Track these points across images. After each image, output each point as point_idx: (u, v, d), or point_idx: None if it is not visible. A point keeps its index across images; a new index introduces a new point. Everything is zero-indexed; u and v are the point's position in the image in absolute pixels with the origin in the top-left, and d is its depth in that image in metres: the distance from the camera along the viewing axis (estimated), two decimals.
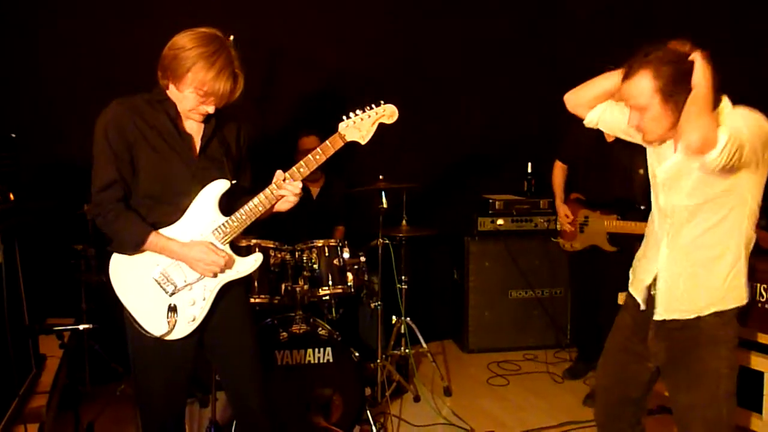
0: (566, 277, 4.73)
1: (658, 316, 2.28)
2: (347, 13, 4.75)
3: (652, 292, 2.32)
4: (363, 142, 2.40)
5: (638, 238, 2.50)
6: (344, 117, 2.39)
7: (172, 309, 2.25)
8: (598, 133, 4.04)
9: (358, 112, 2.39)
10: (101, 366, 3.94)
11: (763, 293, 2.88)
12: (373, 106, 2.40)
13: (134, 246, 2.23)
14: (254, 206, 2.32)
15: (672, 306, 2.26)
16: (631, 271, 2.50)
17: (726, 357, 2.21)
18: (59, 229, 3.86)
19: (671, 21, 4.47)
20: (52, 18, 3.95)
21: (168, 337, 2.26)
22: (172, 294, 2.28)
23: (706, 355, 2.22)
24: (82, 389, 3.82)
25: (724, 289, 2.20)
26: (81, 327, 2.74)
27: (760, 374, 2.87)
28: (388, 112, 2.40)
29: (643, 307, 2.35)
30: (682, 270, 2.24)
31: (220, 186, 2.32)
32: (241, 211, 2.32)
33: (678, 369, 2.28)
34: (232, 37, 3.78)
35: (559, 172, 4.37)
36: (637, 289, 2.40)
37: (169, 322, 2.24)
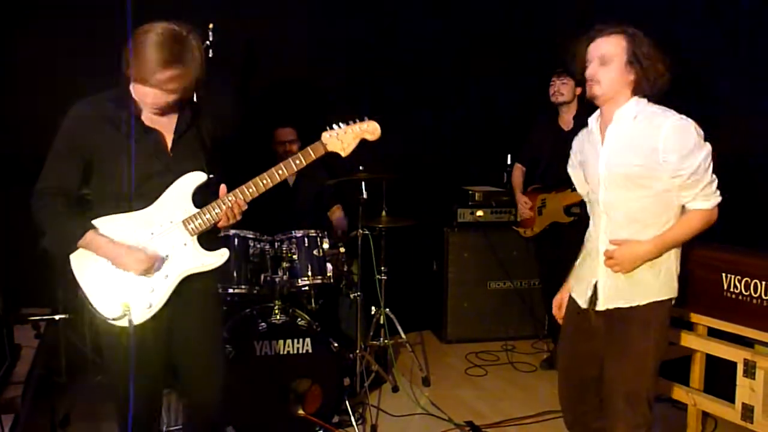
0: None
1: (600, 307, 2.43)
2: (325, 3, 4.73)
3: (591, 291, 2.47)
4: (343, 154, 2.47)
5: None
6: (328, 127, 2.45)
7: (128, 293, 2.24)
8: (556, 129, 4.31)
9: (341, 124, 2.45)
10: (77, 356, 3.90)
11: (737, 284, 2.92)
12: (356, 120, 2.46)
13: (66, 245, 2.23)
14: (230, 202, 2.32)
15: (613, 296, 2.40)
16: (572, 278, 2.66)
17: (655, 337, 2.37)
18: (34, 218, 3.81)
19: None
20: (20, 8, 3.89)
21: (119, 323, 2.22)
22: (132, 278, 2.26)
23: (636, 333, 2.36)
24: (58, 380, 3.77)
25: (659, 282, 2.38)
26: (57, 317, 2.72)
27: (733, 364, 2.92)
28: (370, 128, 2.48)
29: (584, 306, 2.49)
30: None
31: (196, 178, 2.32)
32: (214, 204, 2.32)
33: (610, 342, 2.42)
34: (211, 25, 3.75)
35: (518, 173, 4.63)
36: (580, 290, 2.54)
37: (122, 307, 2.21)
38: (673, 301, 2.43)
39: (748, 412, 2.86)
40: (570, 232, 4.15)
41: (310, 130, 4.24)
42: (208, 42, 3.43)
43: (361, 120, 2.47)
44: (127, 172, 2.22)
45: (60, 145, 2.23)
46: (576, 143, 2.66)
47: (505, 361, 4.60)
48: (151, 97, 2.19)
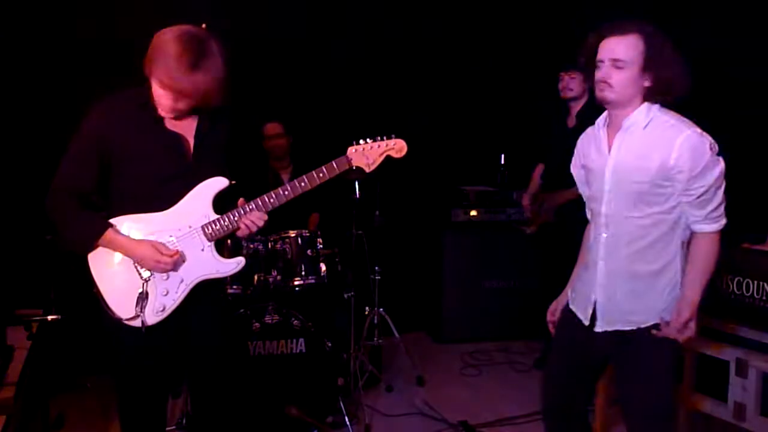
0: (538, 268, 4.76)
1: (598, 328, 2.27)
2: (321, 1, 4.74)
3: (591, 309, 2.30)
4: (368, 170, 2.43)
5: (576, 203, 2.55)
6: (354, 141, 2.41)
7: (143, 295, 2.23)
8: (561, 126, 4.22)
9: (368, 140, 2.41)
10: (71, 357, 3.89)
11: (729, 283, 2.93)
12: (384, 137, 2.43)
13: (85, 243, 2.22)
14: (251, 208, 2.31)
15: (613, 318, 2.25)
16: (569, 288, 2.48)
17: (667, 354, 2.21)
18: (28, 219, 3.80)
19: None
20: (29, 9, 3.90)
21: (133, 324, 2.22)
22: (147, 279, 2.25)
23: (647, 353, 2.21)
24: (51, 381, 3.77)
25: (663, 302, 2.20)
26: (50, 318, 2.71)
27: (726, 363, 2.93)
28: (397, 147, 2.44)
29: (586, 323, 2.31)
30: (620, 284, 2.24)
31: (218, 183, 2.30)
32: (235, 211, 2.30)
33: (620, 363, 2.28)
34: (204, 26, 3.73)
35: (537, 170, 4.52)
36: (580, 304, 2.36)
37: (136, 308, 2.21)
38: None
39: (740, 410, 2.87)
40: (564, 232, 4.15)
41: (298, 125, 4.32)
42: None
43: (388, 137, 2.43)
44: (147, 173, 2.22)
45: (79, 146, 2.21)
46: (580, 143, 2.45)
47: (500, 361, 4.61)
48: (167, 100, 2.18)
